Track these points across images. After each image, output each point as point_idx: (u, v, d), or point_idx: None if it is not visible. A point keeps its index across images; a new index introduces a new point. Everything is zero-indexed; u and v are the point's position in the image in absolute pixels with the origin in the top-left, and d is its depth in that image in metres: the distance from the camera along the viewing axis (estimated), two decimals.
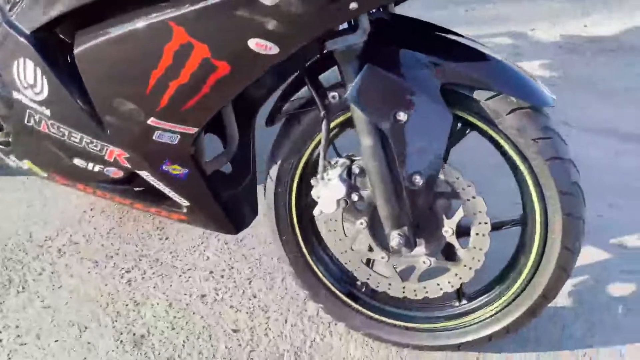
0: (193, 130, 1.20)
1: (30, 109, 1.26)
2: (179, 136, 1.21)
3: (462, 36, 1.18)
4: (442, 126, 1.10)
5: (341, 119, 1.23)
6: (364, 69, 1.08)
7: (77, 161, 1.33)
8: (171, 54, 1.05)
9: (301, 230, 1.38)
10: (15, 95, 1.26)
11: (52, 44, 1.19)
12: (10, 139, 1.43)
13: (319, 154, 1.31)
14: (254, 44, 1.01)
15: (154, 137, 1.20)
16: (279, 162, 1.31)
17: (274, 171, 1.33)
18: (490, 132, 1.15)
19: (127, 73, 1.11)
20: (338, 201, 1.20)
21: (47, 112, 1.24)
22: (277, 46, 1.01)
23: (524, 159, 1.14)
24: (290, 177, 1.32)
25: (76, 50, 1.13)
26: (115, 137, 1.23)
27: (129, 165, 1.29)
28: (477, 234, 1.20)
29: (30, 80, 1.21)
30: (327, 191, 1.19)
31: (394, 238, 1.19)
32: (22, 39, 1.18)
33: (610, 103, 2.15)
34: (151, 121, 1.17)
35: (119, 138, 1.23)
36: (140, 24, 1.05)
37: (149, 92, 1.12)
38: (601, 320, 1.47)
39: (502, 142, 1.15)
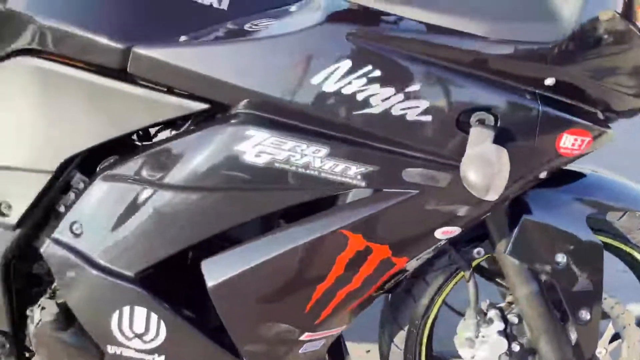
0: (341, 329, 1.06)
1: None
2: (324, 341, 1.06)
3: None
4: (596, 257, 1.10)
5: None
6: (521, 222, 1.05)
7: None
8: (344, 263, 0.92)
9: None
10: (111, 350, 1.01)
11: (162, 281, 0.98)
12: None
13: (438, 308, 1.25)
14: (440, 232, 0.93)
15: (299, 351, 1.04)
16: (406, 328, 1.22)
17: (400, 339, 1.23)
18: (624, 247, 1.18)
19: (293, 294, 0.95)
20: (500, 356, 1.13)
21: (161, 358, 1.01)
22: (461, 228, 0.94)
23: None
24: (418, 341, 1.23)
25: (211, 284, 0.94)
26: None
27: None
28: (629, 346, 1.21)
29: (140, 329, 0.98)
30: (487, 350, 1.12)
31: None
32: (125, 284, 0.95)
33: None
34: (305, 336, 1.01)
35: None
36: (300, 240, 0.91)
37: (310, 308, 0.96)
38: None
39: (636, 254, 1.18)
